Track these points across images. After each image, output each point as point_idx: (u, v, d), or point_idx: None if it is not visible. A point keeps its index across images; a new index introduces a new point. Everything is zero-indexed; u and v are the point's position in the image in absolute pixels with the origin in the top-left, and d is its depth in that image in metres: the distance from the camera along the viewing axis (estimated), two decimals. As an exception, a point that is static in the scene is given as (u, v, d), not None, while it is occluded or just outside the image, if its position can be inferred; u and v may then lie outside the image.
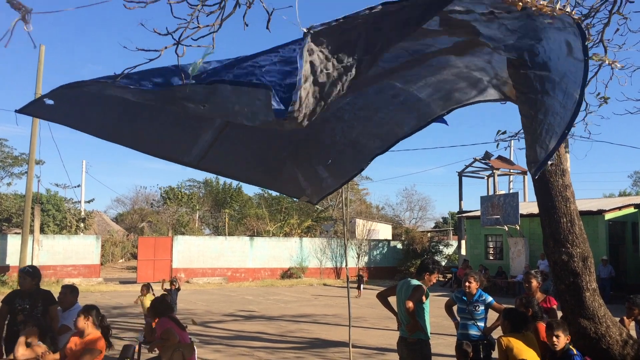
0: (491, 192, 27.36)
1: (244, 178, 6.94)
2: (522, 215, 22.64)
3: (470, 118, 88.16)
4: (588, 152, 69.80)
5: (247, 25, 4.80)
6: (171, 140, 5.22)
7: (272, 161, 6.05)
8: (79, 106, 4.26)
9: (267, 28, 4.69)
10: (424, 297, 5.62)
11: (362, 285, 21.81)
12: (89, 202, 42.53)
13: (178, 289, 12.41)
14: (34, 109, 4.29)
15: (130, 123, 4.72)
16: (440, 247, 33.00)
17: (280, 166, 6.11)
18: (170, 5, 3.53)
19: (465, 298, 6.32)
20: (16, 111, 4.12)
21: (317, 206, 35.68)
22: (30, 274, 6.20)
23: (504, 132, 8.54)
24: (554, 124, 4.16)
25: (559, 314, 6.00)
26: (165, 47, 3.26)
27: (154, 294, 10.07)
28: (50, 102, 3.88)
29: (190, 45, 3.38)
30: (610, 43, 7.30)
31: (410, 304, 5.36)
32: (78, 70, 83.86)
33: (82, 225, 35.40)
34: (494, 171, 27.41)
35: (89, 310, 5.37)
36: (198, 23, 3.90)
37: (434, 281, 5.85)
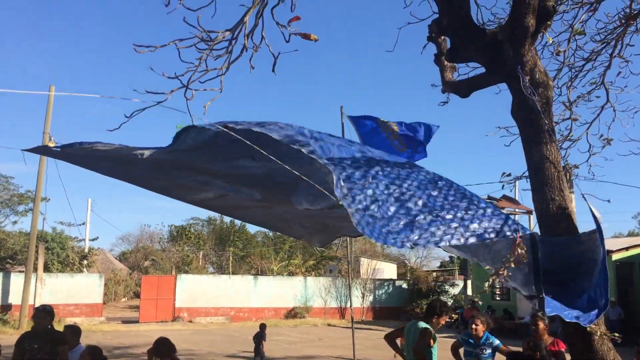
0: (497, 232, 27.14)
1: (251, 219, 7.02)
2: (528, 255, 22.37)
3: (476, 163, 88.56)
4: (593, 191, 69.45)
5: (253, 68, 4.91)
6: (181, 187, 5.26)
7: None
8: (86, 153, 4.32)
9: (273, 71, 4.80)
10: (431, 341, 5.54)
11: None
12: (93, 240, 42.38)
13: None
14: (41, 150, 4.35)
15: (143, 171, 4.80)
16: (446, 287, 32.58)
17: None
18: (178, 50, 3.62)
19: (472, 341, 6.23)
20: (23, 150, 4.17)
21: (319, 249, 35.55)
22: (50, 312, 6.16)
23: (509, 175, 8.57)
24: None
25: (567, 357, 5.89)
26: (172, 91, 3.33)
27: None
28: (57, 149, 3.95)
29: (198, 89, 3.45)
30: (612, 85, 7.42)
31: (418, 350, 5.29)
32: (88, 110, 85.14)
33: (84, 262, 35.20)
34: (499, 210, 27.26)
35: (91, 352, 5.31)
36: (206, 66, 4.00)
37: (443, 323, 5.79)
